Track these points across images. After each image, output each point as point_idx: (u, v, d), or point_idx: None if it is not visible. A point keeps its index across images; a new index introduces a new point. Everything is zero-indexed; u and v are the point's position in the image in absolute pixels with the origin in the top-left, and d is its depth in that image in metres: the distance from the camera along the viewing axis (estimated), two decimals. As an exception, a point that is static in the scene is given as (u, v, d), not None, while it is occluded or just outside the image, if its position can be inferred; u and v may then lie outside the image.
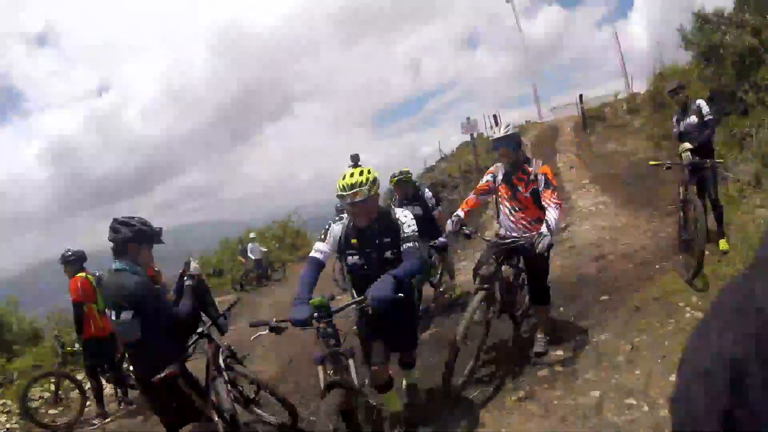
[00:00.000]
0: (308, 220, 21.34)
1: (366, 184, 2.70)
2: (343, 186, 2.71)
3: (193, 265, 3.15)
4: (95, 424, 4.76)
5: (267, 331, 2.84)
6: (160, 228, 2.97)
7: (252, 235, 14.08)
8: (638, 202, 8.15)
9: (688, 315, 3.80)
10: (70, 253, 4.92)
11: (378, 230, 2.84)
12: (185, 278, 3.08)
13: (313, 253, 2.87)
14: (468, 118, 16.14)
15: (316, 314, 2.62)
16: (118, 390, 5.06)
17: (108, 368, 4.91)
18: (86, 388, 4.99)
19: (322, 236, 2.92)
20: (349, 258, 2.91)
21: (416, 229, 2.85)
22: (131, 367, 3.08)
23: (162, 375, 2.68)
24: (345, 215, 2.94)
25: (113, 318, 2.72)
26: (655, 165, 5.18)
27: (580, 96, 17.52)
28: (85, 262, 4.98)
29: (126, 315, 2.65)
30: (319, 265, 2.84)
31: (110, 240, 2.79)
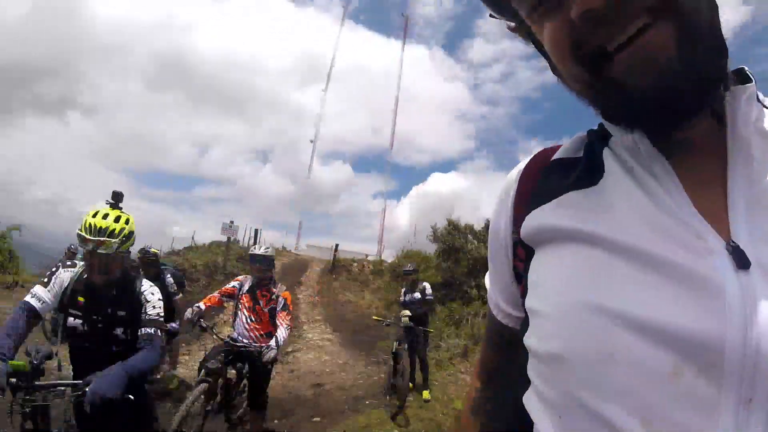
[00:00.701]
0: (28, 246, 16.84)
1: (118, 235, 2.21)
2: (89, 226, 2.17)
3: None
4: None
5: None
6: None
7: None
8: (360, 347, 9.18)
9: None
10: None
11: (113, 297, 2.30)
12: None
13: (29, 298, 2.21)
14: (231, 222, 16.23)
15: (12, 380, 1.88)
16: None
17: None
18: None
19: (46, 280, 2.29)
20: (70, 319, 2.27)
21: (162, 314, 2.37)
22: None
23: None
24: (77, 263, 2.38)
25: None
26: (377, 320, 6.27)
27: (336, 245, 19.72)
28: None
29: None
30: (33, 316, 2.18)
31: None
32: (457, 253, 18.17)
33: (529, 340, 0.52)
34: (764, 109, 0.49)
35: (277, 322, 3.92)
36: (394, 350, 5.54)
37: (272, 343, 3.70)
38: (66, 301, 2.27)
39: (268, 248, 4.26)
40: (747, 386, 0.38)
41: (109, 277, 2.27)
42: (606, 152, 0.55)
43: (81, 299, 2.26)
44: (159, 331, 2.31)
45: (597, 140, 0.57)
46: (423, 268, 17.94)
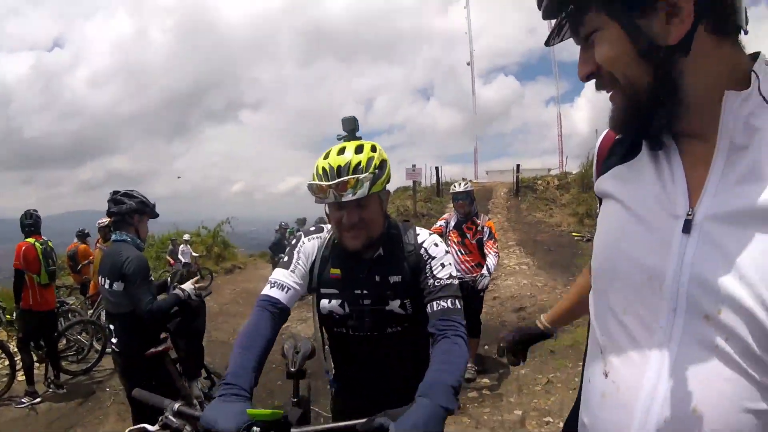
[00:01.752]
0: (237, 235, 20.65)
1: (368, 169, 1.43)
2: (324, 169, 1.45)
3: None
4: (24, 403, 4.40)
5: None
6: (155, 202, 2.99)
7: (186, 236, 13.47)
8: (557, 267, 9.20)
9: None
10: (24, 214, 4.73)
11: (380, 259, 1.58)
12: (179, 286, 2.86)
13: (268, 290, 1.52)
14: (414, 166, 17.04)
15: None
16: (50, 370, 4.75)
17: (43, 345, 4.68)
18: (17, 360, 4.69)
19: (286, 259, 1.60)
20: (324, 301, 1.60)
21: (455, 275, 1.55)
22: (114, 340, 2.78)
23: (159, 348, 2.69)
24: (324, 228, 1.70)
25: (106, 287, 2.73)
26: (576, 236, 6.13)
27: (518, 165, 18.99)
28: (39, 227, 4.77)
29: (118, 286, 2.66)
30: (280, 312, 1.49)
31: (112, 213, 2.84)
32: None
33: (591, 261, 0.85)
34: (765, 102, 0.62)
35: (486, 250, 4.35)
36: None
37: (484, 270, 4.21)
38: (316, 279, 1.60)
39: (467, 184, 4.60)
40: (674, 300, 0.65)
41: (369, 234, 1.50)
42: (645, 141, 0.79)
43: (336, 272, 1.59)
44: (457, 301, 1.47)
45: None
46: None
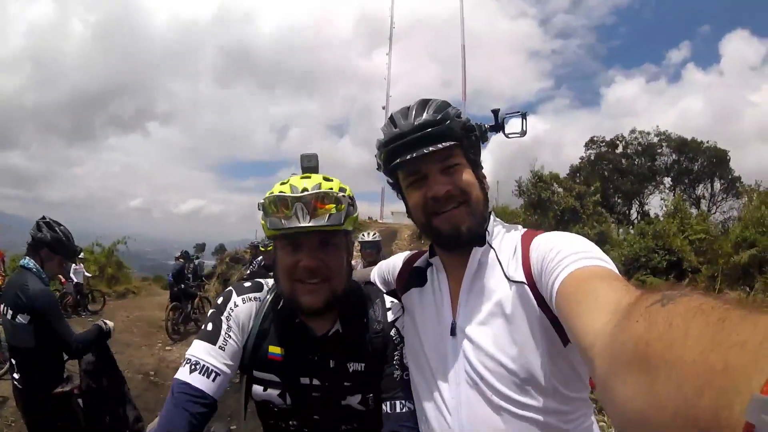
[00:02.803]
0: (131, 255, 19.17)
1: (338, 201, 1.08)
2: (283, 191, 1.08)
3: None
4: None
5: None
6: (81, 248, 2.82)
7: (81, 255, 12.66)
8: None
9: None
10: None
11: (340, 340, 1.20)
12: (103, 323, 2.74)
13: (186, 376, 1.07)
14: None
15: None
16: None
17: None
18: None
19: (210, 328, 1.15)
20: (257, 388, 1.20)
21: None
22: (16, 375, 2.54)
23: (66, 388, 2.52)
24: (263, 286, 1.26)
25: (8, 317, 2.52)
26: None
27: (421, 208, 20.10)
28: None
29: (23, 318, 2.48)
30: (202, 414, 1.05)
31: (31, 235, 2.68)
32: (543, 205, 18.24)
33: None
34: (504, 230, 1.09)
35: None
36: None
37: None
38: (248, 357, 1.18)
39: (375, 234, 5.00)
40: (457, 377, 1.01)
41: (335, 286, 1.13)
42: (429, 269, 1.19)
43: (276, 350, 1.18)
44: (409, 403, 1.15)
45: (428, 259, 1.20)
46: (510, 224, 17.86)
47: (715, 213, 25.72)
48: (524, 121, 1.19)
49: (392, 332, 1.21)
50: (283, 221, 1.04)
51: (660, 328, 0.42)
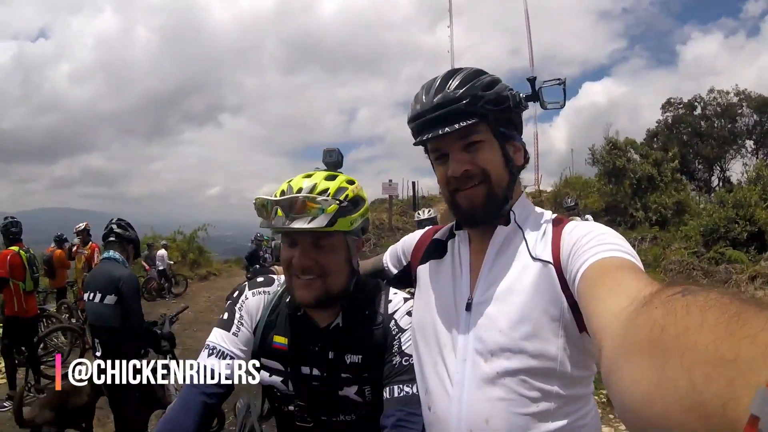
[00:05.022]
0: (211, 240, 20.50)
1: (331, 200, 1.10)
2: (283, 190, 1.15)
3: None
4: (6, 407, 4.48)
5: None
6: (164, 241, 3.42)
7: (164, 242, 13.55)
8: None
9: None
10: (9, 222, 4.85)
11: (340, 333, 1.24)
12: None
13: (204, 359, 1.20)
14: (390, 181, 17.56)
15: None
16: (30, 375, 4.83)
17: (24, 350, 4.79)
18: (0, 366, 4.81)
19: (225, 316, 1.28)
20: (264, 374, 1.28)
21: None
22: (97, 353, 2.93)
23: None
24: (274, 280, 1.35)
25: (95, 300, 2.89)
26: None
27: (492, 180, 19.63)
28: (21, 234, 4.91)
29: (111, 299, 2.87)
30: (216, 396, 1.18)
31: (110, 233, 3.10)
32: (619, 173, 17.04)
33: None
34: (518, 227, 1.05)
35: None
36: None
37: None
38: (257, 346, 1.28)
39: (430, 211, 4.95)
40: (464, 354, 1.00)
41: (330, 285, 1.16)
42: (450, 241, 1.18)
43: (281, 341, 1.27)
44: (413, 389, 1.14)
45: (449, 232, 1.21)
46: (584, 194, 17.12)
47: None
48: (564, 90, 1.09)
49: (391, 324, 1.24)
50: (266, 221, 1.13)
51: (677, 315, 0.42)
